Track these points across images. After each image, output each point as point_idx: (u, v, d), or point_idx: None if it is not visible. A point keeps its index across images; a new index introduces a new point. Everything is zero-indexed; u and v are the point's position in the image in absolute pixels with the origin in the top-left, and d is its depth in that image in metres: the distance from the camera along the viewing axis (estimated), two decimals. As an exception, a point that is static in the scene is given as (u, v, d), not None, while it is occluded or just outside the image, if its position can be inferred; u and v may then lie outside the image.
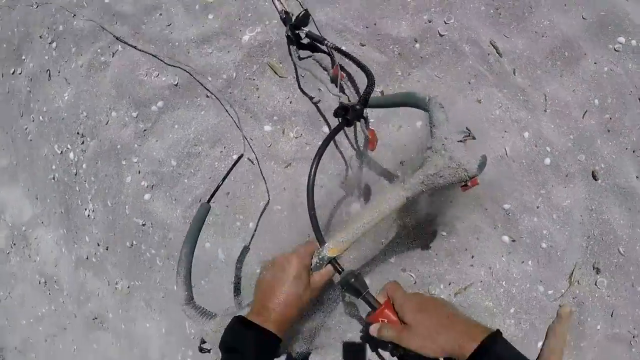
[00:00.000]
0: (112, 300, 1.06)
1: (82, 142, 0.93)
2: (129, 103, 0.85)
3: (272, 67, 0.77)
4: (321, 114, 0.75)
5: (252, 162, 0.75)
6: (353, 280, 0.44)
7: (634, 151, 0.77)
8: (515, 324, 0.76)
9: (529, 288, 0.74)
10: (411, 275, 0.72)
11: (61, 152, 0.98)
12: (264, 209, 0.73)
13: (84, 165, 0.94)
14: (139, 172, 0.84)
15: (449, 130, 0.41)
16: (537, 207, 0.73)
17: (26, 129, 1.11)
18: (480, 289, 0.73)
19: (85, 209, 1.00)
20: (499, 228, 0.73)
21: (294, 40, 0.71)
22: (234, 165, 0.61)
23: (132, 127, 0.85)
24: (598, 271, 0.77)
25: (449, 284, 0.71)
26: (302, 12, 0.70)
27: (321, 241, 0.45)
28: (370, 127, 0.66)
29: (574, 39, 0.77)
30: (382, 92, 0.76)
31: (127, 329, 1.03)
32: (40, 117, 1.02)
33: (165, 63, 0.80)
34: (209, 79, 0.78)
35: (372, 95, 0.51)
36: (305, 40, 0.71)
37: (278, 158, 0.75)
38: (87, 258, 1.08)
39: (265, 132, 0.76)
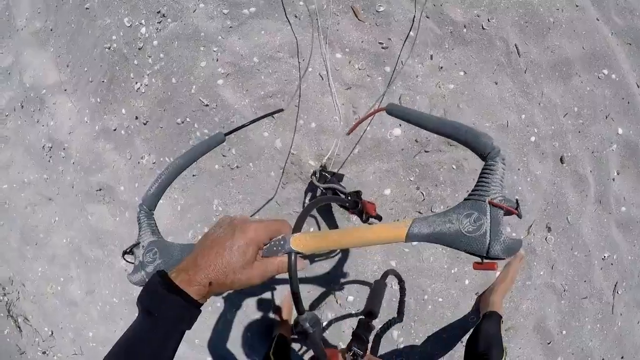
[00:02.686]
0: (130, 174, 1.47)
1: (160, 22, 1.38)
2: (222, 0, 1.33)
3: (355, 10, 1.32)
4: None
5: (322, 77, 1.28)
6: (310, 327, 0.48)
7: (592, 152, 1.44)
8: None
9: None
10: (422, 193, 1.29)
11: (130, 25, 1.41)
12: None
13: (154, 42, 1.38)
14: (217, 60, 1.31)
15: (498, 193, 0.45)
16: (518, 169, 1.35)
17: (85, -6, 1.52)
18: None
19: (137, 83, 1.42)
20: (489, 176, 1.33)
21: (319, 177, 1.06)
22: (269, 114, 0.81)
23: (219, 21, 1.33)
24: (549, 230, 1.40)
25: (447, 206, 1.29)
26: (342, 175, 1.10)
27: (297, 228, 0.51)
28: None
29: (572, 61, 1.43)
30: (431, 57, 1.34)
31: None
32: (113, -13, 1.44)
33: (263, -22, 1.31)
34: (301, 3, 1.31)
35: (424, 112, 0.60)
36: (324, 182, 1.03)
37: (342, 80, 1.29)
38: (115, 130, 1.48)
39: (336, 58, 1.30)
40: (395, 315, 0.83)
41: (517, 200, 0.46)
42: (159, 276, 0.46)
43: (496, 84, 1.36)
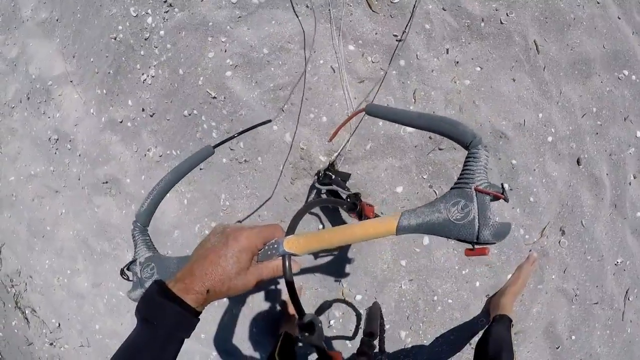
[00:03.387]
0: (136, 167, 1.38)
1: (167, 12, 1.28)
2: (231, -11, 1.23)
3: (369, 1, 1.21)
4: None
5: (334, 70, 1.18)
6: (311, 326, 0.47)
7: (610, 154, 1.34)
8: (497, 254, 1.27)
9: (513, 229, 1.26)
10: (435, 192, 1.20)
11: (137, 15, 1.31)
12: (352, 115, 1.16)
13: (161, 32, 1.28)
14: (225, 51, 1.21)
15: (484, 180, 0.44)
16: (534, 170, 1.25)
17: (91, -18, 1.42)
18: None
19: (143, 74, 1.33)
20: (504, 176, 1.23)
21: (322, 178, 0.99)
22: (255, 126, 0.77)
23: (228, 11, 1.23)
24: (563, 233, 1.31)
25: (458, 207, 1.20)
26: (348, 175, 1.04)
27: (290, 231, 0.50)
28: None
29: (592, 60, 1.32)
30: (447, 51, 1.24)
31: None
32: (120, -24, 1.34)
33: (274, -33, 1.21)
34: (313, -7, 1.20)
35: (404, 109, 0.61)
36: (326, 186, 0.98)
37: (354, 73, 1.19)
38: (122, 122, 1.39)
39: (349, 50, 1.20)
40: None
41: (502, 185, 0.47)
42: (156, 285, 0.45)
43: (514, 80, 1.25)
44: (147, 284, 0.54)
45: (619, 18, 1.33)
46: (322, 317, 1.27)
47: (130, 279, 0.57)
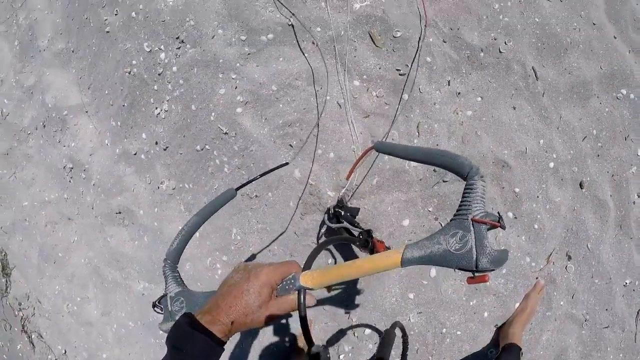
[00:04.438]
0: (149, 199, 1.39)
1: (179, 48, 1.31)
2: (240, 27, 1.25)
3: (372, 36, 1.24)
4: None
5: (340, 106, 1.20)
6: (322, 354, 0.50)
7: (612, 175, 1.34)
8: (504, 283, 1.25)
9: (519, 257, 1.25)
10: (440, 224, 1.19)
11: (150, 50, 1.35)
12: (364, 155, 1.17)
13: (174, 68, 1.31)
14: (235, 88, 1.24)
15: (480, 210, 0.46)
16: (537, 197, 1.26)
17: (105, 20, 1.46)
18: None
19: (157, 108, 1.35)
20: (507, 204, 1.23)
21: (332, 215, 1.02)
22: (274, 168, 0.85)
23: (238, 48, 1.26)
24: (569, 258, 1.30)
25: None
26: (357, 209, 1.04)
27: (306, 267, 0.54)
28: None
29: (590, 82, 1.33)
30: (448, 82, 1.26)
31: (160, 226, 1.36)
32: (133, 14, 1.38)
33: (280, 3, 1.24)
34: (318, 29, 1.23)
35: (404, 144, 0.68)
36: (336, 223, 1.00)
37: (360, 109, 1.21)
38: (136, 154, 1.41)
39: (354, 86, 1.22)
40: None
41: (499, 213, 0.48)
42: (186, 317, 0.49)
43: (514, 108, 1.27)
44: (177, 317, 0.57)
45: (615, 37, 1.35)
46: (331, 351, 1.25)
47: (161, 312, 0.61)
